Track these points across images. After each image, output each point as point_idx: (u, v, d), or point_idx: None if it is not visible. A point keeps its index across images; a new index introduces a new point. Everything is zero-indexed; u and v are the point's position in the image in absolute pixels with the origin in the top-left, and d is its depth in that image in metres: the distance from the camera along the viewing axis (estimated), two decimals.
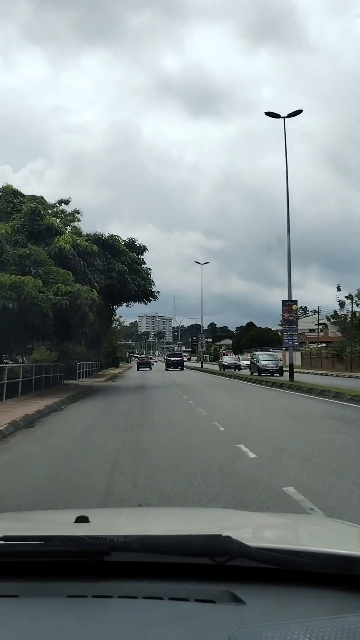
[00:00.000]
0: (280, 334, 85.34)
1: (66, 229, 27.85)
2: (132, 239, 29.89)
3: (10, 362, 27.52)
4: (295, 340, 25.45)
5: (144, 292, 29.19)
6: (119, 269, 26.52)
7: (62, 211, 33.94)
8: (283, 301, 25.25)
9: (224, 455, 7.53)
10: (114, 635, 1.12)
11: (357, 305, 46.96)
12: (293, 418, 12.19)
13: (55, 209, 32.39)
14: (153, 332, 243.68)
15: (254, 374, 33.23)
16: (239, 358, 57.69)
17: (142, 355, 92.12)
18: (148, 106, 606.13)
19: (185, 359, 77.16)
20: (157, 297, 30.45)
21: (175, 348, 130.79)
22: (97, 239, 27.06)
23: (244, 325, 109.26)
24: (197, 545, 1.32)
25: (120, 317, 63.22)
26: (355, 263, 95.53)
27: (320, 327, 72.77)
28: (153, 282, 29.70)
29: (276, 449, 8.07)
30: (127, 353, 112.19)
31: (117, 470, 6.70)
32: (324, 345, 61.90)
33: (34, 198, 25.96)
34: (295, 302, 25.25)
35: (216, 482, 5.93)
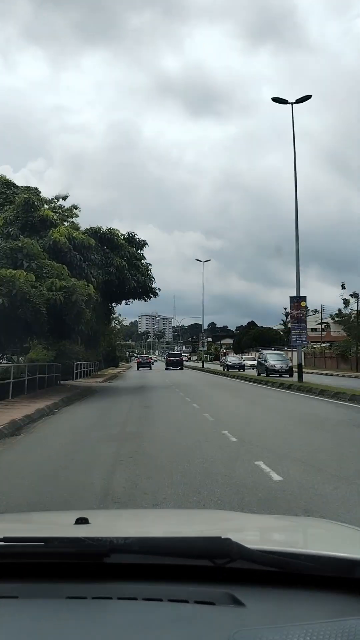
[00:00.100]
0: (281, 333, 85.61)
1: (64, 225, 26.51)
2: (131, 233, 28.48)
3: (4, 361, 26.24)
4: (304, 339, 23.99)
5: (143, 288, 27.79)
6: (118, 263, 25.16)
7: (60, 206, 32.74)
8: (291, 297, 23.78)
9: (241, 477, 6.16)
10: (114, 636, 1.12)
11: None
12: (315, 425, 10.78)
13: (52, 204, 31.16)
14: (153, 331, 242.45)
15: (262, 374, 31.58)
16: (241, 358, 55.93)
17: (142, 355, 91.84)
18: (148, 106, 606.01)
19: (185, 358, 77.42)
20: (157, 293, 29.03)
21: (176, 348, 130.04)
22: (94, 233, 25.73)
23: (244, 325, 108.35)
24: (197, 547, 1.31)
25: (120, 315, 61.80)
26: (356, 263, 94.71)
27: (322, 326, 71.54)
28: (153, 278, 28.30)
29: (304, 466, 6.71)
30: (127, 353, 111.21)
31: (111, 500, 5.34)
32: (328, 344, 60.68)
33: (28, 189, 24.61)
34: (304, 298, 23.72)
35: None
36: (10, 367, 19.43)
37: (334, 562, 1.27)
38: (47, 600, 1.25)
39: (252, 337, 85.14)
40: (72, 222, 32.03)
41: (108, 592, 1.23)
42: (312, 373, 35.84)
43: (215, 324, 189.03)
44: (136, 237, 28.39)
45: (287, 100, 24.14)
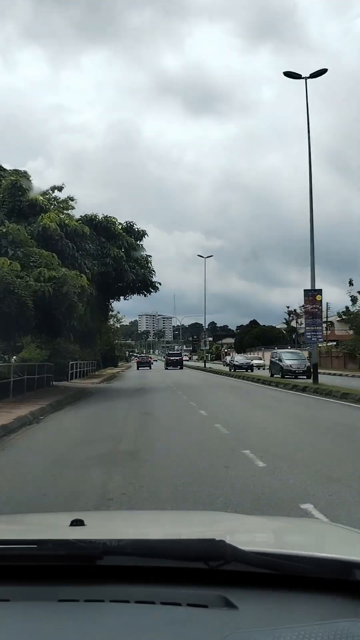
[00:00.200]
0: (284, 332, 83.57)
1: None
2: (129, 222, 26.20)
3: None
4: (319, 336, 21.71)
5: (143, 282, 25.55)
6: (115, 254, 22.98)
7: (55, 198, 30.66)
8: (305, 290, 21.52)
9: None
10: (105, 639, 1.11)
11: None
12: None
13: (47, 196, 29.07)
14: (153, 331, 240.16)
15: (275, 375, 28.96)
16: (248, 357, 53.14)
17: (142, 355, 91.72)
18: (148, 106, 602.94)
19: (186, 358, 76.61)
20: (158, 288, 26.71)
21: (176, 347, 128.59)
22: (89, 220, 23.58)
23: (244, 324, 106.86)
24: (190, 549, 1.30)
25: (118, 313, 59.54)
26: (356, 263, 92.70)
27: (327, 324, 69.50)
28: (154, 271, 26.06)
29: None
30: (127, 352, 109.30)
31: None
32: (334, 343, 58.63)
33: (16, 172, 22.44)
34: (320, 291, 21.39)
35: None
36: None
37: (328, 564, 1.25)
38: (40, 603, 1.24)
39: (254, 336, 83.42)
40: (68, 214, 29.99)
41: (101, 594, 1.22)
42: (320, 373, 33.81)
43: (216, 324, 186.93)
44: (135, 226, 26.15)
45: (301, 75, 21.98)
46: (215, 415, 12.12)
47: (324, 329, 68.72)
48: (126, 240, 24.31)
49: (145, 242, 26.33)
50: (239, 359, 46.24)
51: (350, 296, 47.96)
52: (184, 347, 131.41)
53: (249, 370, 39.43)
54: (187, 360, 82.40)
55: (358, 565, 1.23)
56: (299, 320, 79.48)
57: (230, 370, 42.55)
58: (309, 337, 21.71)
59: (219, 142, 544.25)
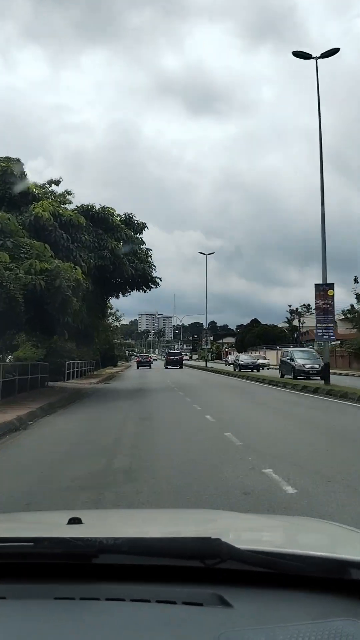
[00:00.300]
0: (286, 331, 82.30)
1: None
2: (129, 214, 24.78)
3: None
4: (331, 334, 20.24)
5: (143, 277, 24.08)
6: (113, 247, 21.60)
7: (52, 192, 29.27)
8: (316, 285, 20.11)
9: None
10: (101, 637, 1.11)
11: None
12: None
13: (44, 190, 27.71)
14: (153, 330, 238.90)
15: (286, 375, 27.17)
16: (253, 356, 51.37)
17: (142, 354, 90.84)
18: (148, 105, 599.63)
19: (186, 358, 76.46)
20: (158, 283, 25.24)
21: (176, 346, 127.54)
22: (86, 211, 22.21)
23: (244, 323, 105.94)
24: (186, 547, 1.28)
25: (117, 311, 58.11)
26: (356, 263, 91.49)
27: None
28: (154, 265, 24.63)
29: None
30: (127, 352, 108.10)
31: None
32: (339, 342, 57.48)
33: (7, 159, 21.06)
34: (332, 285, 19.92)
35: None
36: None
37: (324, 562, 1.24)
38: (35, 601, 1.23)
39: (255, 334, 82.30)
40: (65, 208, 28.67)
41: (96, 593, 1.21)
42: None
43: (216, 323, 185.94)
44: (134, 218, 24.73)
45: (311, 55, 20.63)
46: (224, 422, 10.77)
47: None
48: (125, 233, 22.92)
49: (145, 241, 24.98)
50: (245, 358, 44.19)
51: (355, 294, 46.82)
52: (184, 347, 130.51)
53: (255, 371, 37.81)
54: (187, 360, 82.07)
55: (353, 564, 1.21)
56: (301, 319, 78.45)
57: (234, 370, 40.82)
58: (320, 334, 20.30)
59: (219, 141, 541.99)
